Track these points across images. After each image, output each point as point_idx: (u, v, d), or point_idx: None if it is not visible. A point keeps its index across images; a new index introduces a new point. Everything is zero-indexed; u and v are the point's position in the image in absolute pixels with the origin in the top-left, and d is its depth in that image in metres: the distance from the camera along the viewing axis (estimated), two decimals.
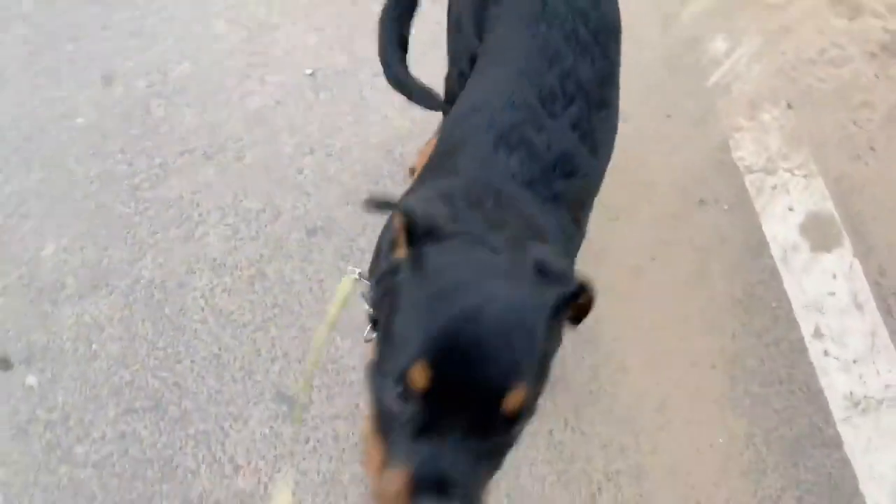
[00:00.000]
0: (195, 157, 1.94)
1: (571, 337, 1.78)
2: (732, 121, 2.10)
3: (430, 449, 0.74)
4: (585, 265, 1.79)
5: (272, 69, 2.09)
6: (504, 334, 0.75)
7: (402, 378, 0.74)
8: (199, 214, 1.87)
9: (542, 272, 0.84)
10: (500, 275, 0.81)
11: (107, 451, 1.61)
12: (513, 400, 0.73)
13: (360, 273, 1.12)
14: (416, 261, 0.83)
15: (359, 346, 1.73)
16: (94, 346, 1.71)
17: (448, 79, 1.54)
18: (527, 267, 0.84)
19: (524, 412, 0.76)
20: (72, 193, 1.88)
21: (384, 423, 0.79)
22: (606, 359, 1.77)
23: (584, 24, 1.22)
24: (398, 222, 0.87)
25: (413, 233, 0.85)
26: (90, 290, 1.77)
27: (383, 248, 1.09)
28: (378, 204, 1.04)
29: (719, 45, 2.23)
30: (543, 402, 1.58)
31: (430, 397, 0.73)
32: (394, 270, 0.87)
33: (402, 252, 0.87)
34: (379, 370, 0.82)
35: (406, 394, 0.74)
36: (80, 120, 1.98)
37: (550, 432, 1.67)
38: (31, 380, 1.67)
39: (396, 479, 0.74)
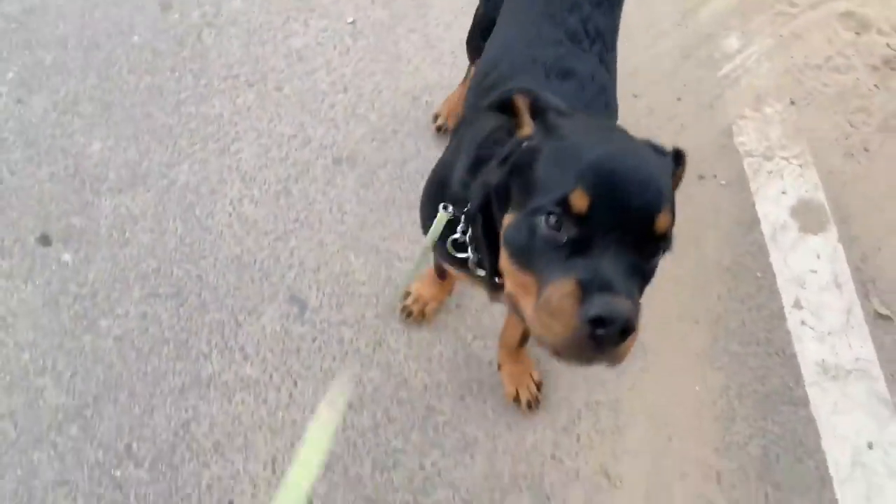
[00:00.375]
0: (238, 82, 2.10)
1: None
2: (738, 110, 2.24)
3: (591, 261, 0.80)
4: None
5: (317, 14, 2.26)
6: (650, 169, 0.85)
7: (562, 203, 0.81)
8: (236, 133, 2.02)
9: (651, 146, 0.96)
10: (627, 137, 0.93)
11: (128, 327, 1.74)
12: (662, 221, 0.82)
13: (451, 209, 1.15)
14: (549, 128, 0.91)
15: (369, 265, 1.87)
16: (127, 234, 1.85)
17: (476, 13, 1.71)
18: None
19: (668, 235, 0.84)
20: (122, 101, 2.03)
21: (532, 257, 0.84)
22: None
23: None
24: (521, 104, 0.96)
25: (538, 109, 0.94)
26: (129, 185, 1.91)
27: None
28: (496, 105, 1.05)
29: (733, 42, 2.38)
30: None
31: (587, 220, 0.80)
32: (517, 147, 0.94)
33: (527, 130, 0.95)
34: (524, 214, 0.87)
35: (562, 220, 0.81)
36: (135, 38, 2.14)
37: (536, 361, 1.79)
38: (67, 257, 1.81)
39: (564, 286, 0.79)
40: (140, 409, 1.65)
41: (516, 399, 1.72)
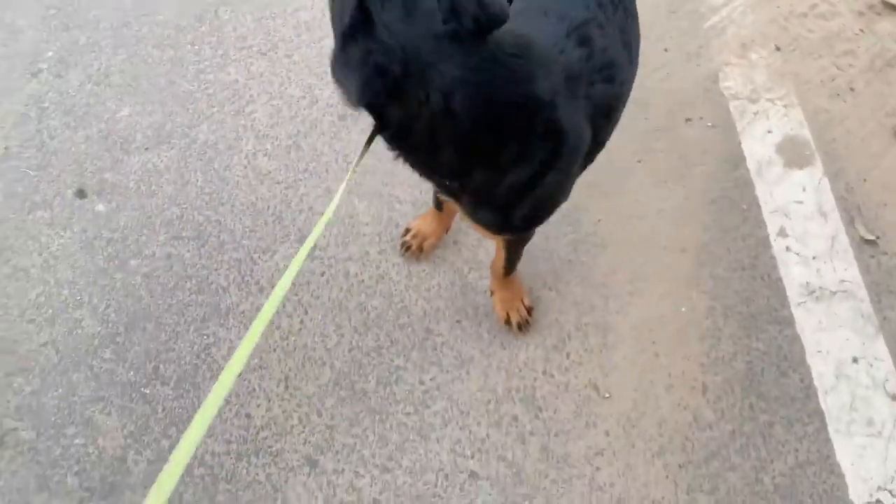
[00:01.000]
0: (251, 52, 2.29)
1: (556, 218, 2.03)
2: (724, 57, 2.34)
3: None
4: None
5: None
6: None
7: None
8: (250, 96, 2.20)
9: None
10: None
11: (155, 266, 1.92)
12: None
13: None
14: None
15: (372, 208, 2.02)
16: (153, 186, 2.04)
17: None
18: None
19: None
20: (147, 72, 2.24)
21: None
22: (587, 236, 2.01)
23: None
24: None
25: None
26: (155, 144, 2.11)
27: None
28: None
29: None
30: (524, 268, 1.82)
31: None
32: None
33: None
34: None
35: None
36: (160, 17, 2.35)
37: (529, 289, 1.91)
38: (101, 207, 2.00)
39: None
40: (166, 335, 1.83)
41: (507, 322, 1.85)
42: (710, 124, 2.21)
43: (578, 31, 1.29)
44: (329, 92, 2.22)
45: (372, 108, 1.10)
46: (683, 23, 2.42)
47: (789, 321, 1.90)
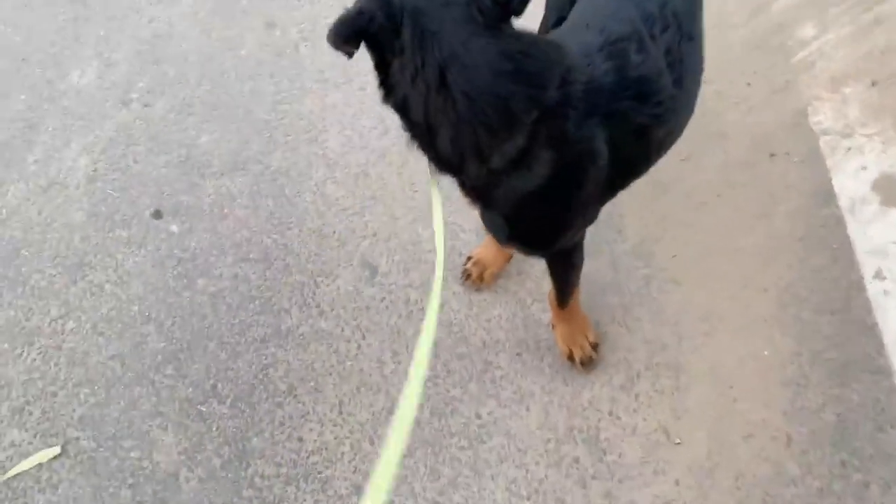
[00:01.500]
0: (327, 85, 2.34)
1: (627, 249, 1.94)
2: (813, 92, 2.22)
3: None
4: (645, 193, 1.97)
5: None
6: None
7: None
8: (323, 126, 2.25)
9: None
10: None
11: (222, 286, 1.95)
12: None
13: None
14: None
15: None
16: (225, 209, 2.09)
17: (542, 23, 1.79)
18: None
19: None
20: (228, 102, 2.32)
21: None
22: (660, 271, 1.91)
23: None
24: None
25: None
26: (230, 170, 2.17)
27: None
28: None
29: (808, 30, 2.37)
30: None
31: None
32: None
33: None
34: None
35: None
36: (243, 52, 2.45)
37: (596, 324, 1.82)
38: (174, 228, 2.06)
39: None
40: (226, 354, 1.83)
41: (570, 357, 1.75)
42: (797, 160, 2.08)
43: (613, 45, 1.25)
44: (398, 122, 2.23)
45: (346, 52, 1.13)
46: (769, 57, 2.32)
47: (887, 371, 1.72)
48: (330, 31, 1.12)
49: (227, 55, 2.44)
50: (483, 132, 1.12)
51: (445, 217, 1.99)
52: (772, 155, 2.10)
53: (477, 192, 1.27)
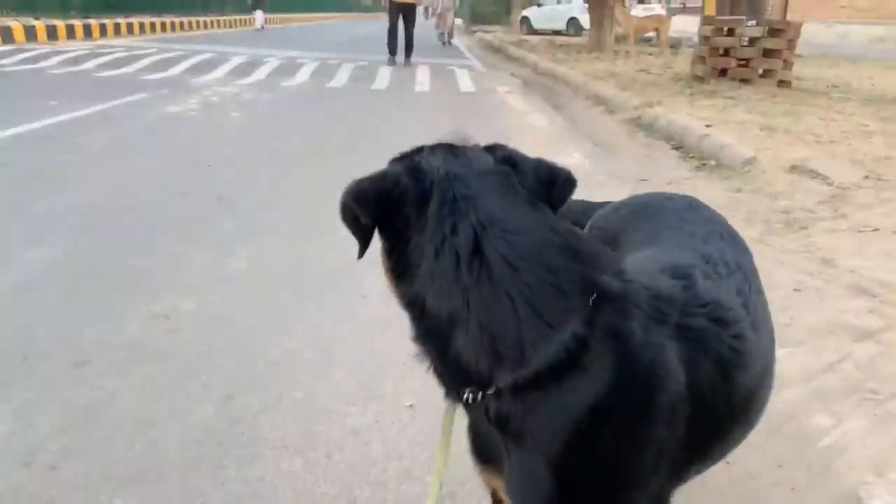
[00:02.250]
0: (287, 451, 1.95)
1: None
2: (858, 475, 1.91)
3: None
4: None
5: (376, 400, 2.24)
6: None
7: None
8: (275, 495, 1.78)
9: None
10: None
11: None
12: None
13: None
14: None
15: None
16: None
17: None
18: None
19: None
20: (160, 466, 1.88)
21: None
22: None
23: (721, 232, 1.26)
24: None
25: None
26: None
27: None
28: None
29: (822, 420, 2.18)
30: None
31: None
32: None
33: None
34: None
35: None
36: (192, 420, 2.11)
37: None
38: None
39: None
40: None
41: None
42: None
43: (676, 269, 1.04)
44: (370, 491, 1.79)
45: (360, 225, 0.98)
46: (791, 443, 2.07)
47: None
48: (345, 192, 0.94)
49: (172, 423, 2.09)
50: (526, 314, 0.83)
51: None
52: None
53: (504, 422, 0.88)
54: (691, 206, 1.33)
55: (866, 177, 4.80)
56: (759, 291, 1.18)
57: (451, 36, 21.20)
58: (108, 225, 3.77)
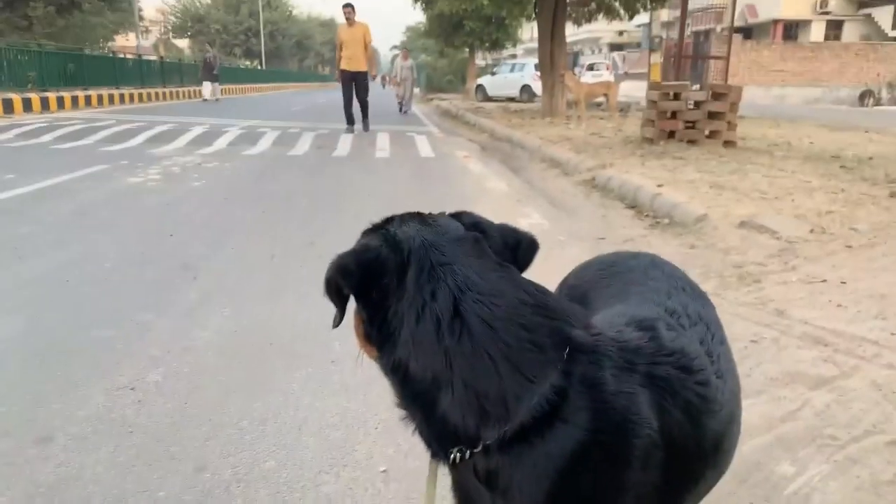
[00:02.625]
0: None
1: None
2: None
3: None
4: None
5: (349, 467, 2.23)
6: None
7: None
8: None
9: None
10: None
11: None
12: None
13: None
14: None
15: None
16: None
17: None
18: None
19: None
20: None
21: None
22: None
23: (684, 286, 1.33)
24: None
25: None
26: None
27: None
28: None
29: (786, 468, 2.24)
30: None
31: None
32: None
33: None
34: None
35: None
36: (161, 493, 2.07)
37: None
38: None
39: None
40: None
41: None
42: None
43: (640, 322, 1.10)
44: None
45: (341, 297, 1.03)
46: (758, 490, 2.12)
47: None
48: (330, 267, 1.00)
49: (142, 498, 2.04)
50: (508, 370, 0.88)
51: None
52: None
53: (492, 478, 0.91)
54: (654, 264, 1.41)
55: (812, 231, 5.03)
56: (722, 342, 1.24)
57: (410, 105, 21.43)
58: (71, 296, 3.72)
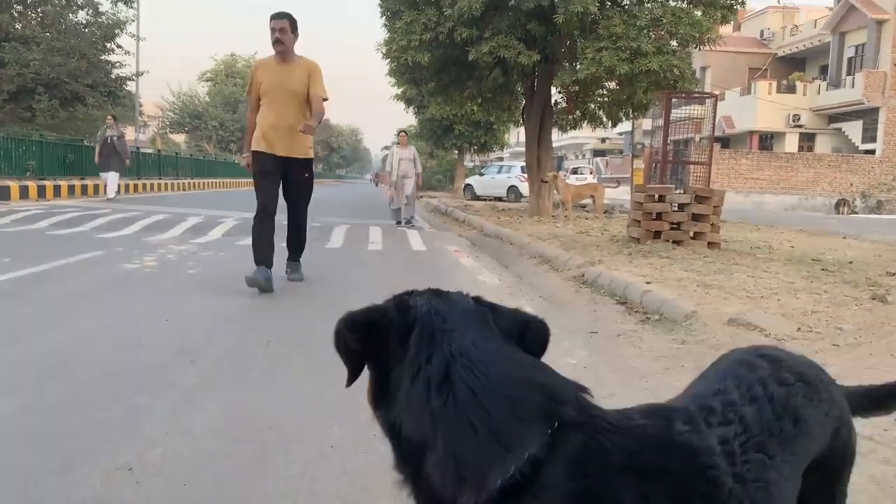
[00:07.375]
0: None
1: None
2: None
3: None
4: None
5: None
6: None
7: None
8: None
9: None
10: None
11: None
12: None
13: None
14: None
15: None
16: None
17: None
18: None
19: None
20: None
21: None
22: None
23: (767, 390, 1.19)
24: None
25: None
26: None
27: None
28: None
29: None
30: None
31: None
32: None
33: None
34: None
35: None
36: None
37: None
38: None
39: None
40: None
41: None
42: None
43: (652, 410, 1.10)
44: None
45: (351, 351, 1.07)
46: None
47: None
48: (339, 321, 1.07)
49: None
50: (485, 438, 0.92)
51: None
52: None
53: None
54: (743, 360, 1.28)
55: (799, 329, 5.15)
56: (762, 449, 1.10)
57: (411, 215, 15.24)
58: (66, 377, 3.70)
